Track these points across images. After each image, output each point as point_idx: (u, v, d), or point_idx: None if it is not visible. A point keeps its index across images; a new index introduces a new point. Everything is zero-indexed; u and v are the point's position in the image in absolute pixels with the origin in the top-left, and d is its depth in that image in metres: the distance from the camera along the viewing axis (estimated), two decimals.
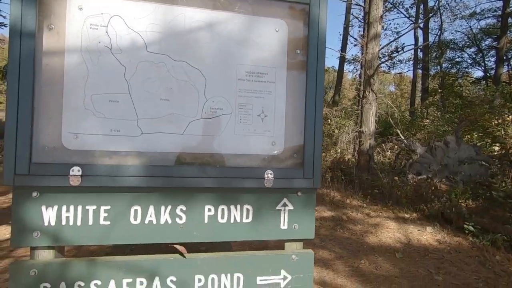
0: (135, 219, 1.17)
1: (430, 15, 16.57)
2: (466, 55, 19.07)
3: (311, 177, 1.26)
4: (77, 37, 1.11)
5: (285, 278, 1.29)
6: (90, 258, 1.15)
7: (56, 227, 1.10)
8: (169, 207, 1.19)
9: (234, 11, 1.24)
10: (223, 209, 1.24)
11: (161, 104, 1.18)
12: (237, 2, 1.24)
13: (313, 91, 1.26)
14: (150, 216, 1.18)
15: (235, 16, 1.24)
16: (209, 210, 1.23)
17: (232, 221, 1.25)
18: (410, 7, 18.23)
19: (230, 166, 1.22)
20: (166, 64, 1.18)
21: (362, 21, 14.17)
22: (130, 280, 1.16)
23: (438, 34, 18.22)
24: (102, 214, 1.14)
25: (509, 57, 16.70)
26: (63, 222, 1.11)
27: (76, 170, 1.07)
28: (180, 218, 1.20)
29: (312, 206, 1.32)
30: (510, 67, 17.07)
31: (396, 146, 8.38)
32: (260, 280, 1.27)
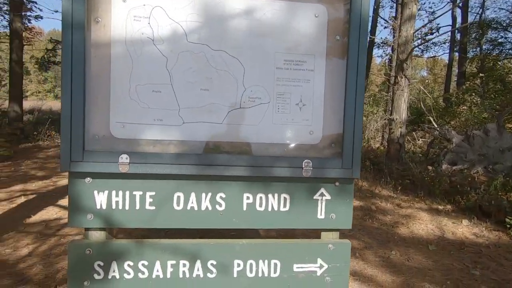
0: (178, 205, 1.22)
1: None
2: (510, 35, 17.44)
3: (350, 167, 1.24)
4: (122, 29, 1.15)
5: (321, 266, 1.30)
6: (138, 240, 1.23)
7: (107, 211, 1.18)
8: (209, 194, 1.23)
9: None
10: (261, 197, 1.26)
11: (202, 94, 1.20)
12: None
13: (353, 79, 1.22)
14: (192, 202, 1.22)
15: (274, 2, 1.21)
16: (248, 198, 1.25)
17: (269, 209, 1.26)
18: None
19: (268, 155, 1.23)
20: (205, 54, 1.19)
21: (395, 1, 13.33)
22: (174, 262, 1.23)
23: (479, 12, 16.73)
24: (148, 200, 1.20)
25: None
26: (113, 206, 1.18)
27: (124, 158, 1.12)
28: (220, 205, 1.24)
29: (350, 196, 1.30)
30: None
31: (429, 134, 7.97)
32: (297, 268, 1.29)
